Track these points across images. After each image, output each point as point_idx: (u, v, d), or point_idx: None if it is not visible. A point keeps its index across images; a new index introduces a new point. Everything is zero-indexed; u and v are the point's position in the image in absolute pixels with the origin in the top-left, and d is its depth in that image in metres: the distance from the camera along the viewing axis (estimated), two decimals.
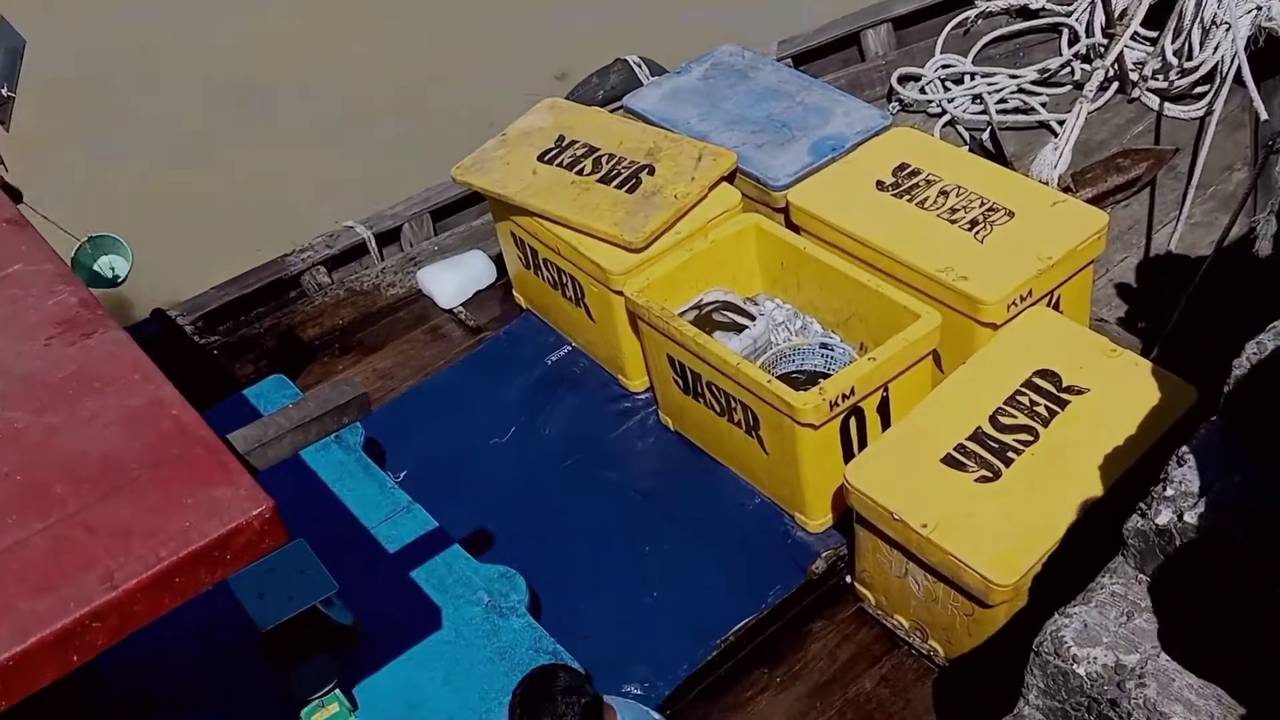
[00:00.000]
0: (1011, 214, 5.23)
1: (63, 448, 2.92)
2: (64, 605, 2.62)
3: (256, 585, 4.30)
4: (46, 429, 2.96)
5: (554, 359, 6.01)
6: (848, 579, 5.01)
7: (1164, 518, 3.39)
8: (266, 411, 4.53)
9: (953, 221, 5.23)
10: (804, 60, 7.35)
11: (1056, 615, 3.44)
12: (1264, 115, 6.47)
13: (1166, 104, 7.02)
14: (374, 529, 4.95)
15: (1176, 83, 6.95)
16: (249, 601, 4.28)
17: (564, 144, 5.85)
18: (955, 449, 4.52)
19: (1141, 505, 3.51)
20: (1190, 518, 3.33)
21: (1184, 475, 3.44)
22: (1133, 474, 4.26)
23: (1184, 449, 3.52)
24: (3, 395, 3.03)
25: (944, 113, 7.29)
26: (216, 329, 6.43)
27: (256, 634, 4.32)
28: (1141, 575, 3.51)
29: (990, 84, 7.25)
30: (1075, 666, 3.32)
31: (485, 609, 4.63)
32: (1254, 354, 3.44)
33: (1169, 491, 3.42)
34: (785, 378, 5.05)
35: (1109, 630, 3.37)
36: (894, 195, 5.43)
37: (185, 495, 2.83)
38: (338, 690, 4.26)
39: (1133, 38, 6.95)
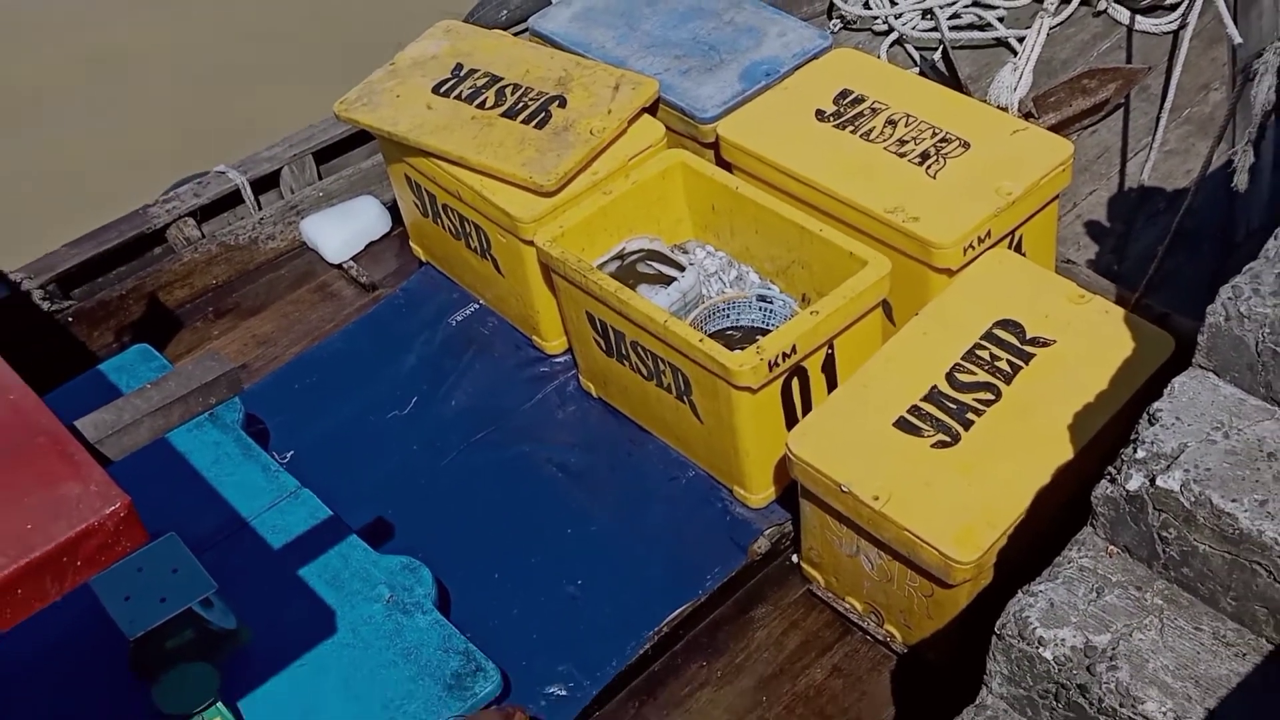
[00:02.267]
0: (967, 145, 5.24)
1: None
2: None
3: (122, 587, 4.25)
4: None
5: (459, 319, 5.97)
6: (794, 559, 5.03)
7: (1135, 483, 3.43)
8: (131, 388, 4.46)
9: (901, 155, 5.23)
10: None
11: (1020, 594, 3.48)
12: (1237, 39, 6.53)
13: (1137, 17, 7.07)
14: (257, 518, 4.89)
15: None
16: (113, 606, 4.23)
17: (462, 73, 5.77)
18: (909, 411, 4.54)
19: (1111, 470, 3.55)
20: (1163, 482, 3.38)
21: (1156, 435, 3.49)
22: (1105, 434, 4.31)
23: (1157, 406, 3.57)
24: None
25: (890, 30, 7.29)
26: (70, 293, 6.29)
27: (124, 643, 4.28)
28: (1112, 547, 3.56)
29: None
30: (1041, 650, 3.37)
31: (387, 605, 4.60)
32: (1229, 300, 3.48)
33: (1140, 454, 3.46)
34: (719, 335, 5.04)
35: (1077, 609, 3.41)
36: (836, 126, 5.42)
37: (24, 494, 2.77)
38: (220, 704, 4.22)
39: None
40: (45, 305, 6.16)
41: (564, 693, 4.64)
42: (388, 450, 5.45)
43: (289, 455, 5.36)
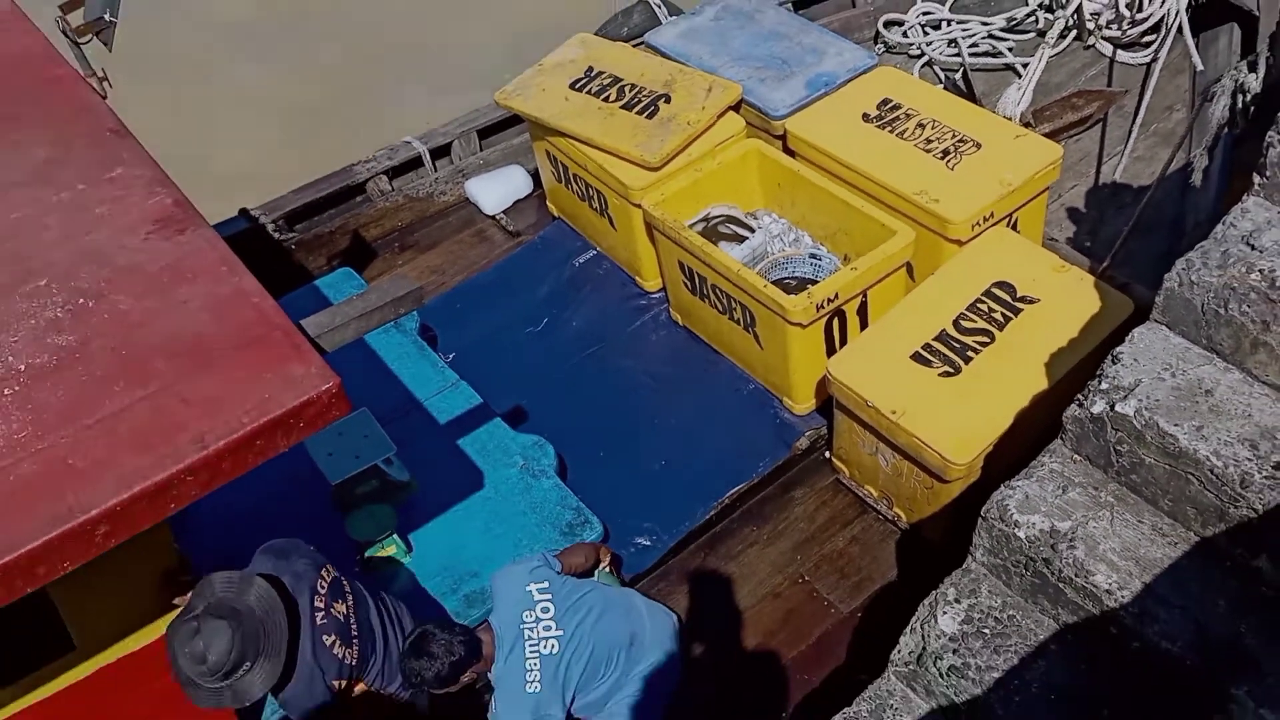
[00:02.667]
0: (979, 145, 5.10)
1: (161, 329, 2.90)
2: (161, 462, 2.63)
3: (327, 446, 4.33)
4: (147, 312, 2.94)
5: (581, 261, 5.95)
6: (826, 455, 5.01)
7: (1098, 407, 3.36)
8: (335, 299, 4.52)
9: (927, 151, 5.11)
10: (802, 5, 7.15)
11: (1002, 487, 3.43)
12: (1200, 66, 6.29)
13: (1118, 51, 6.82)
14: (426, 402, 4.95)
15: (1128, 32, 6.74)
16: (320, 459, 4.31)
17: (592, 74, 5.71)
18: (923, 347, 4.47)
19: (1079, 397, 3.48)
20: (1121, 408, 3.30)
21: (1117, 372, 3.41)
22: (1074, 372, 4.22)
23: (1119, 350, 3.48)
24: (109, 282, 3.01)
25: (923, 54, 7.10)
26: (293, 227, 6.36)
27: (327, 488, 4.36)
28: (1076, 456, 3.49)
29: (964, 30, 7.05)
30: (1016, 530, 3.33)
31: (520, 471, 4.65)
32: (1182, 269, 3.38)
33: (1104, 385, 3.39)
34: (779, 283, 4.99)
35: (1046, 501, 3.36)
36: (877, 126, 5.30)
37: (265, 372, 2.82)
38: (395, 535, 4.30)
39: None
40: (275, 235, 6.23)
41: (648, 543, 4.68)
42: (524, 356, 5.47)
43: (451, 356, 5.41)
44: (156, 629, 3.18)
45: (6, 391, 2.75)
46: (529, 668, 3.56)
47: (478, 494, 4.58)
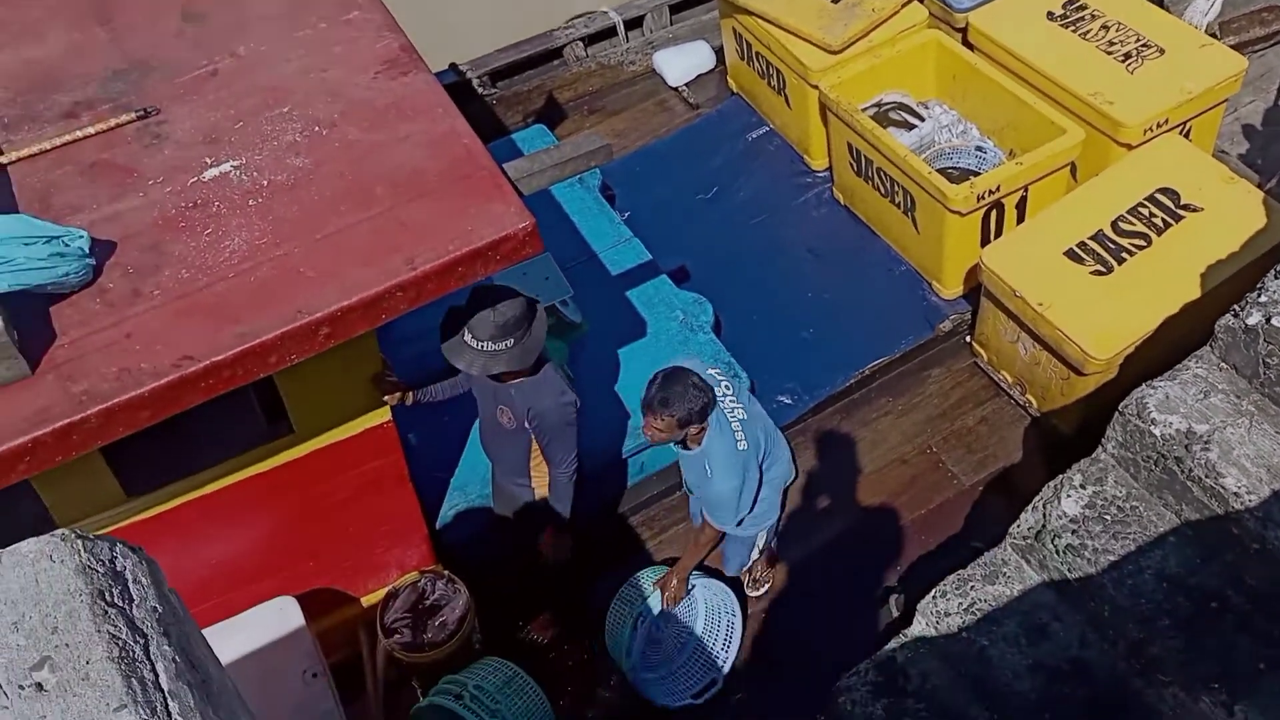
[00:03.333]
0: (1162, 51, 4.69)
1: (384, 159, 2.96)
2: (378, 277, 2.71)
3: (511, 283, 4.38)
4: (373, 144, 3.00)
5: (754, 136, 5.79)
6: (967, 339, 4.84)
7: (1254, 319, 3.12)
8: (528, 153, 4.51)
9: (1109, 53, 4.73)
10: None
11: (1144, 386, 3.25)
12: None
13: None
14: (601, 253, 4.96)
15: None
16: None
17: None
18: (1077, 245, 4.23)
19: (1235, 308, 3.24)
20: (1277, 322, 3.06)
21: (1278, 287, 3.15)
22: (1228, 284, 3.93)
23: None
24: (341, 114, 3.07)
25: None
26: (495, 84, 6.36)
27: None
28: (1223, 364, 3.27)
29: None
30: (1152, 427, 3.16)
31: (679, 325, 4.65)
32: None
33: (1262, 298, 3.14)
34: (942, 172, 4.76)
35: (1186, 403, 3.18)
36: (1061, 25, 4.92)
37: (470, 206, 2.86)
38: (565, 367, 4.36)
39: None
40: (480, 90, 6.25)
41: (789, 401, 4.65)
42: (693, 219, 5.40)
43: (626, 215, 5.38)
44: (363, 422, 3.33)
45: (252, 203, 2.86)
46: (735, 429, 3.48)
47: (640, 341, 4.61)
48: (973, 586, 3.45)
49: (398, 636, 3.70)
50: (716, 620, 3.94)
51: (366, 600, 3.89)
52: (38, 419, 2.38)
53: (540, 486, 3.61)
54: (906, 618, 3.76)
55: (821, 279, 5.06)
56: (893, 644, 3.55)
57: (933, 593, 3.51)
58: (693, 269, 5.10)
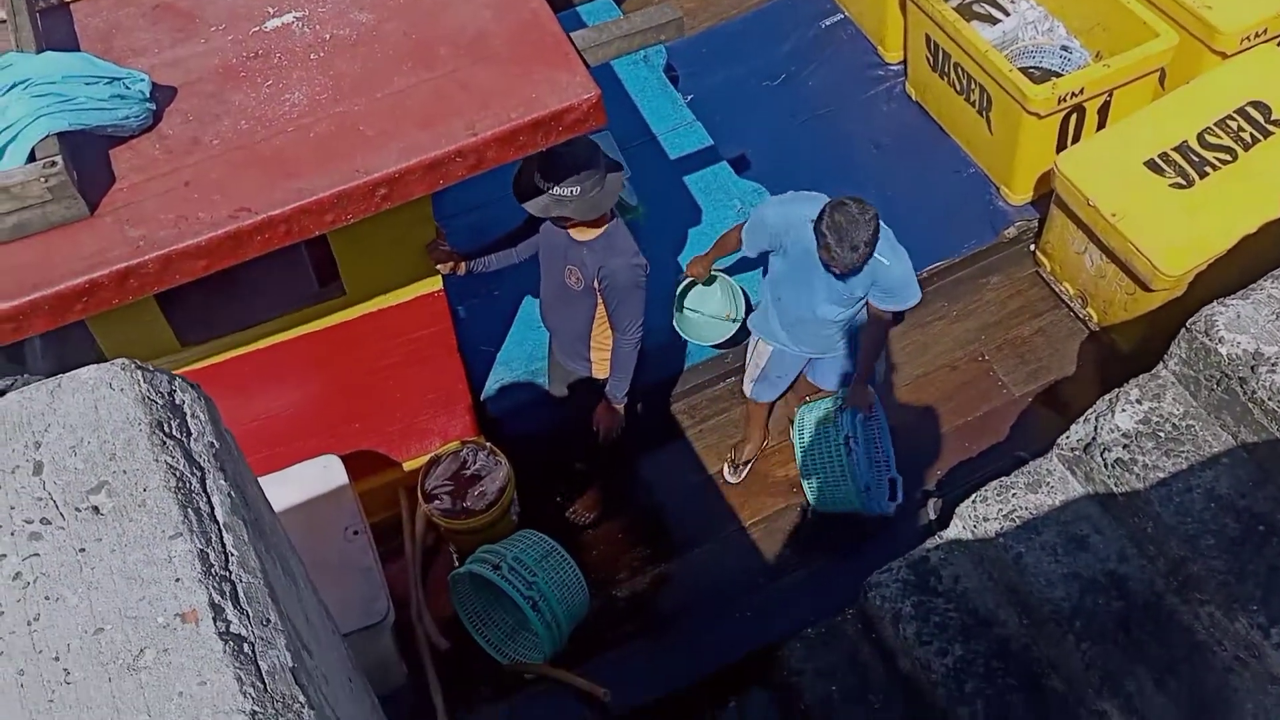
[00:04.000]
0: None
1: (448, 20, 2.89)
2: (438, 140, 2.67)
3: None
4: (437, 3, 2.93)
5: (827, 24, 5.58)
6: (1031, 248, 4.72)
7: None
8: None
9: None
10: None
11: (1215, 303, 3.16)
12: None
13: None
14: (662, 136, 4.87)
15: None
16: None
17: None
18: (1158, 156, 4.07)
19: None
20: None
21: None
22: None
23: None
24: None
25: None
26: None
27: None
28: None
29: None
30: (1219, 346, 3.08)
31: (736, 214, 4.57)
32: None
33: None
34: (1024, 70, 4.57)
35: (1258, 324, 3.08)
36: None
37: (535, 73, 2.79)
38: None
39: None
40: None
41: None
42: (758, 107, 5.27)
43: (690, 98, 5.24)
44: (415, 289, 3.34)
45: (313, 57, 2.82)
46: None
47: (695, 229, 4.55)
48: (1014, 494, 3.44)
49: (437, 503, 3.79)
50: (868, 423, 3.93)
51: (408, 466, 3.97)
52: (95, 261, 2.41)
53: (600, 364, 3.61)
54: (943, 522, 3.78)
55: (886, 176, 4.92)
56: (927, 544, 3.57)
57: (973, 497, 3.50)
58: (754, 158, 4.99)
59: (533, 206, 3.15)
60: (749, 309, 4.04)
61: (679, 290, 4.01)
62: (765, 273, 3.79)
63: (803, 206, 3.49)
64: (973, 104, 4.65)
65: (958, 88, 4.72)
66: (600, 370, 3.61)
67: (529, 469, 3.96)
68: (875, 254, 3.38)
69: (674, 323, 4.02)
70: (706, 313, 4.12)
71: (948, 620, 3.36)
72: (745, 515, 4.23)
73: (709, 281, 4.03)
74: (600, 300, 3.38)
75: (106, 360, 2.90)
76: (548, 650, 3.63)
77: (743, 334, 4.06)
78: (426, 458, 3.87)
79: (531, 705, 3.70)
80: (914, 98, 5.16)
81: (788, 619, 3.82)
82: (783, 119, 5.20)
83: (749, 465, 4.28)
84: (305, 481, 3.46)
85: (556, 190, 3.10)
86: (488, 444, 3.91)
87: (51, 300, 2.36)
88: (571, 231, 3.29)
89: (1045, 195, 4.50)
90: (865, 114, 5.20)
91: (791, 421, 4.27)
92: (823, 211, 3.30)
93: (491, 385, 4.16)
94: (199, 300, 2.94)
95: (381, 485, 3.90)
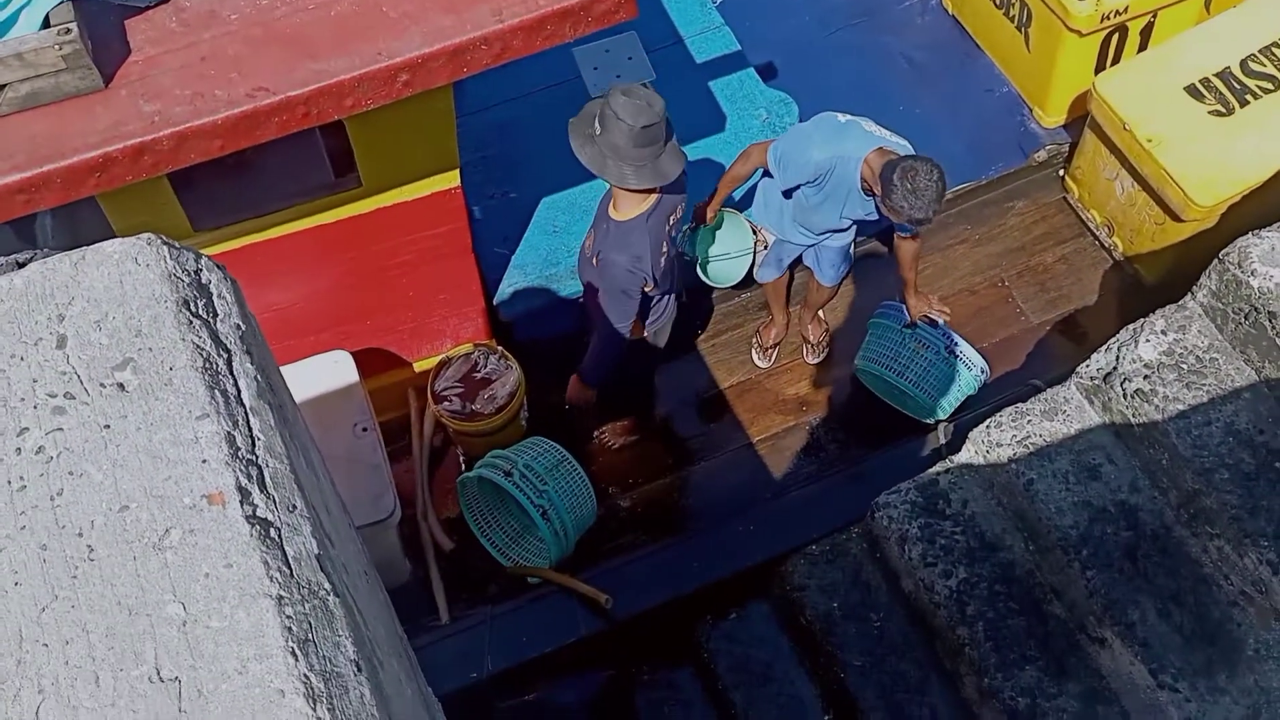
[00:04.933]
0: None
1: None
2: (463, 25, 2.59)
3: (593, 60, 4.23)
4: None
5: None
6: (1060, 173, 4.64)
7: None
8: None
9: None
10: None
11: (1250, 234, 3.11)
12: None
13: None
14: (688, 39, 4.73)
15: None
16: (585, 72, 4.22)
17: None
18: (1200, 81, 3.96)
19: None
20: None
21: None
22: None
23: None
24: None
25: None
26: None
27: (585, 99, 4.29)
28: None
29: None
30: (1251, 279, 3.04)
31: (762, 124, 4.47)
32: None
33: None
34: None
35: None
36: None
37: None
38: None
39: None
40: None
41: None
42: (789, 14, 5.08)
43: (719, 1, 5.08)
44: (432, 184, 3.28)
45: None
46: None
47: (717, 136, 4.45)
48: (1029, 420, 3.44)
49: (447, 404, 3.78)
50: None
51: (419, 366, 3.95)
52: (110, 135, 2.35)
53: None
54: (954, 446, 3.78)
55: (915, 92, 4.81)
56: (937, 468, 3.57)
57: (987, 422, 3.50)
58: (781, 67, 4.86)
59: (581, 151, 3.06)
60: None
61: (688, 237, 3.93)
62: (764, 173, 3.78)
63: (849, 144, 3.46)
64: (1011, 19, 4.51)
65: (996, 1, 4.57)
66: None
67: (540, 375, 3.94)
68: None
69: (697, 272, 3.96)
70: (723, 252, 4.05)
71: (953, 543, 3.38)
72: (753, 432, 4.23)
73: (717, 224, 3.97)
74: None
75: None
76: (554, 558, 3.66)
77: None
78: (437, 359, 3.85)
79: (533, 607, 3.74)
80: (950, 10, 5.02)
81: (791, 535, 3.84)
82: (813, 28, 5.05)
83: (777, 348, 4.31)
84: (315, 376, 3.45)
85: (576, 121, 3.06)
86: (499, 348, 3.88)
87: (64, 173, 2.30)
88: (612, 200, 3.22)
89: (1079, 119, 4.40)
90: (899, 26, 5.05)
91: (809, 340, 4.26)
92: (891, 179, 3.25)
93: (505, 289, 4.12)
94: (213, 184, 2.88)
95: (391, 384, 3.89)
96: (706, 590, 3.79)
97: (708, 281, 4.02)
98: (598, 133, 3.04)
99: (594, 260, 3.32)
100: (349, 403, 3.50)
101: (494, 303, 4.07)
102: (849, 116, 3.57)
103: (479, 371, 3.84)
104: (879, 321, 4.00)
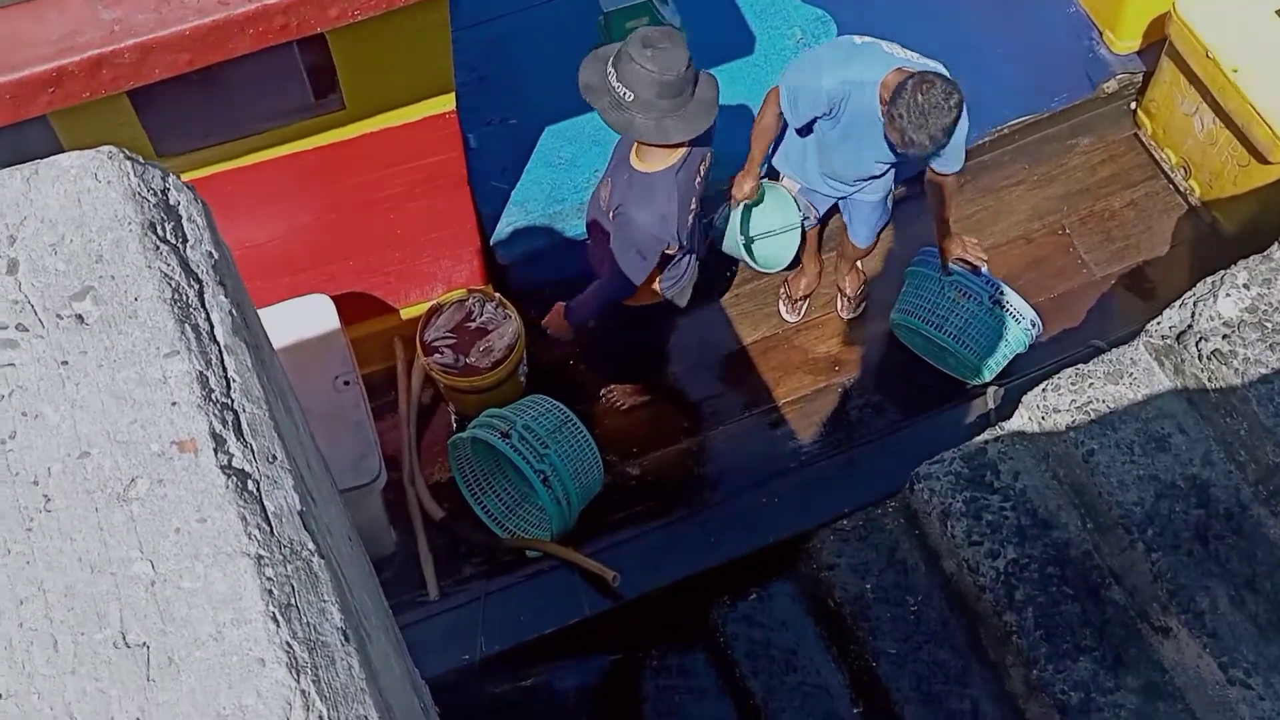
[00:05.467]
0: None
1: None
2: None
3: None
4: None
5: None
6: (1132, 106, 4.58)
7: None
8: None
9: None
10: None
11: None
12: None
13: None
14: None
15: None
16: None
17: None
18: None
19: None
20: None
21: None
22: None
23: None
24: None
25: None
26: None
27: (597, 14, 4.25)
28: None
29: None
30: None
31: (795, 44, 4.43)
32: None
33: None
34: None
35: None
36: None
37: None
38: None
39: None
40: None
41: None
42: None
43: None
44: (424, 108, 3.25)
45: None
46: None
47: (745, 58, 4.41)
48: (1091, 384, 3.43)
49: (438, 356, 3.78)
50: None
51: (406, 313, 3.94)
52: (64, 46, 2.32)
53: None
54: (1004, 412, 3.78)
55: (970, 10, 4.74)
56: (985, 435, 3.57)
57: (1043, 385, 3.49)
58: None
59: (594, 97, 3.01)
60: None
61: (731, 221, 3.84)
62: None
63: (863, 67, 3.38)
64: None
65: None
66: None
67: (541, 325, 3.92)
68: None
69: (745, 258, 3.88)
70: (766, 229, 3.95)
71: (1002, 519, 3.38)
72: (779, 393, 4.22)
73: (758, 199, 3.86)
74: None
75: None
76: (556, 529, 3.67)
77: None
78: (427, 305, 3.84)
79: (532, 583, 3.76)
80: None
81: (820, 508, 3.86)
82: None
83: (807, 300, 4.30)
84: (292, 321, 3.44)
85: (587, 67, 3.00)
86: (496, 294, 3.87)
87: (13, 88, 2.28)
88: (635, 147, 3.17)
89: (1155, 45, 4.34)
90: None
91: (844, 293, 4.24)
92: (903, 86, 3.19)
93: (503, 228, 4.10)
94: (179, 104, 2.86)
95: (376, 333, 3.89)
96: (724, 568, 3.82)
97: (755, 267, 3.94)
98: (617, 87, 2.97)
99: (610, 214, 3.28)
100: (329, 353, 3.49)
101: (491, 243, 4.06)
102: (867, 38, 3.48)
103: (474, 320, 3.84)
104: (916, 270, 3.97)
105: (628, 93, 2.96)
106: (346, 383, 3.51)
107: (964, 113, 3.31)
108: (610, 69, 2.99)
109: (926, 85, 3.15)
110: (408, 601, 3.66)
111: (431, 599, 3.73)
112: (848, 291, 4.25)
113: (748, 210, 3.86)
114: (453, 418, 4.05)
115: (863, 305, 4.30)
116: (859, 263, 4.22)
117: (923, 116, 3.14)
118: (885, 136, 3.32)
